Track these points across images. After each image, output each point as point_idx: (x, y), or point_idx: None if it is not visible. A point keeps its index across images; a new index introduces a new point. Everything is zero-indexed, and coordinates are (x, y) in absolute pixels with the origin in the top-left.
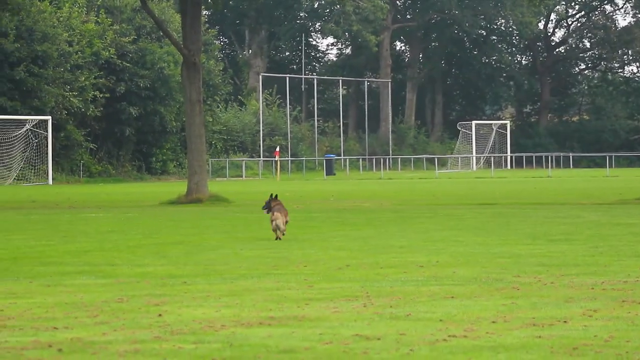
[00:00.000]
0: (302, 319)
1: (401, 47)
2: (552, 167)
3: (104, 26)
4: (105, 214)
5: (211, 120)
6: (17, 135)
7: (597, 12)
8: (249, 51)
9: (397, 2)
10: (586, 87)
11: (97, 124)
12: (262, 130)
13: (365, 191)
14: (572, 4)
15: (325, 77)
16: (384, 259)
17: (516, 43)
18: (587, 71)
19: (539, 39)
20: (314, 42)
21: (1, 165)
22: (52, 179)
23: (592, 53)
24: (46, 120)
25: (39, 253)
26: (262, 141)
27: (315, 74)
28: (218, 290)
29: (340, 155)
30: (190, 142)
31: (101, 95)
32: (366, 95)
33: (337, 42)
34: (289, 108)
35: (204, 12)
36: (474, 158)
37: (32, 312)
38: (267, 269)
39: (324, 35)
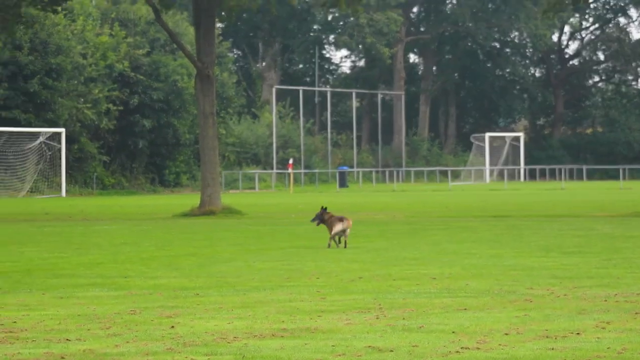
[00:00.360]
0: (315, 330)
1: (415, 59)
2: (565, 179)
3: (117, 39)
4: (119, 226)
5: (224, 132)
6: (30, 147)
7: (610, 25)
8: (262, 63)
9: (411, 14)
10: (600, 100)
11: (111, 136)
12: (276, 142)
13: (378, 203)
14: (586, 16)
15: (339, 90)
16: (397, 271)
17: (530, 55)
18: (600, 83)
19: (552, 51)
20: (328, 55)
21: (15, 177)
22: (66, 191)
23: (606, 65)
24: (60, 133)
25: (52, 265)
26: (276, 153)
27: (328, 86)
28: (230, 302)
29: (354, 168)
30: (204, 154)
31: (115, 108)
32: (379, 108)
33: (350, 54)
34: (302, 120)
35: (218, 25)
36: (487, 170)
37: (44, 324)
38: (280, 281)
39: (338, 47)
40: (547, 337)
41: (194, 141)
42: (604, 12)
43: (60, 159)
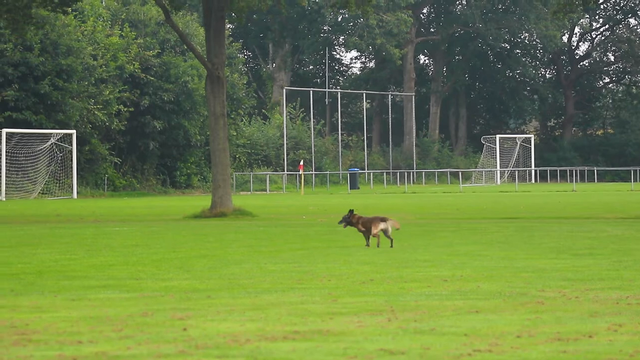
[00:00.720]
0: (327, 333)
1: (425, 60)
2: (576, 181)
3: (128, 40)
4: (130, 228)
5: (235, 134)
6: (41, 149)
7: (621, 26)
8: (272, 65)
9: (421, 15)
10: (610, 101)
11: (122, 137)
12: (286, 144)
13: (389, 205)
14: (597, 17)
15: (349, 91)
16: (408, 273)
17: (540, 56)
18: (611, 85)
19: (563, 52)
20: (338, 56)
21: (26, 179)
22: (77, 192)
23: (616, 66)
24: (71, 134)
25: (63, 267)
26: (286, 155)
27: (339, 87)
28: (242, 304)
29: (364, 169)
30: (214, 155)
31: (125, 109)
32: (390, 109)
33: (360, 55)
34: (313, 122)
35: (228, 26)
36: (498, 172)
37: (57, 326)
38: (292, 283)
39: (348, 48)
40: (559, 339)
41: (204, 142)
42: (614, 13)
43: (71, 160)
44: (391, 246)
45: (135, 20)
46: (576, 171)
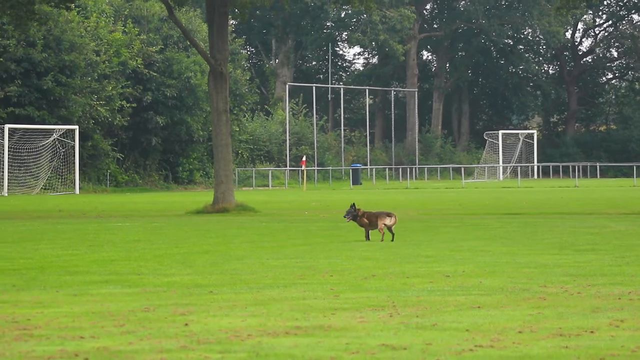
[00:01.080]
0: (329, 328)
1: (428, 56)
2: (579, 176)
3: (131, 36)
4: (132, 224)
5: (238, 129)
6: (44, 144)
7: (624, 22)
8: (275, 61)
9: (424, 11)
10: (613, 97)
11: (124, 133)
12: (289, 139)
13: (391, 201)
14: (600, 13)
15: (352, 87)
16: (411, 268)
17: (543, 52)
18: (614, 80)
19: (566, 48)
20: (341, 52)
21: (29, 174)
22: (79, 188)
23: (619, 62)
24: (73, 130)
25: (65, 262)
26: (289, 151)
27: (341, 83)
28: (244, 300)
29: (367, 165)
30: (217, 151)
31: (128, 105)
32: (393, 105)
33: (363, 51)
34: (316, 117)
35: (231, 22)
36: (501, 168)
37: (58, 322)
38: (293, 279)
39: (351, 44)
40: (560, 335)
41: (207, 138)
42: (618, 9)
43: (73, 156)
44: (392, 240)
45: (138, 16)
46: (579, 167)
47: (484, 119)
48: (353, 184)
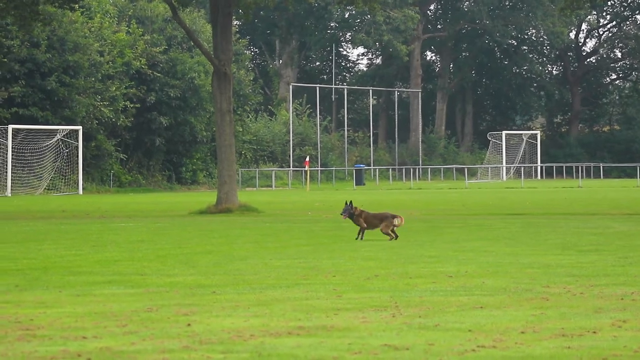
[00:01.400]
0: (331, 329)
1: (432, 57)
2: (582, 177)
3: (135, 36)
4: (135, 224)
5: (241, 130)
6: (48, 145)
7: (628, 22)
8: (279, 61)
9: (428, 12)
10: (617, 97)
11: (128, 133)
12: (292, 140)
13: (395, 201)
14: (604, 13)
15: (356, 87)
16: (413, 269)
17: (547, 53)
18: (618, 81)
19: (569, 48)
20: (345, 52)
21: (32, 175)
22: (83, 188)
23: (623, 63)
24: (77, 130)
25: (69, 263)
26: (292, 151)
27: (345, 83)
28: (247, 300)
29: (370, 165)
30: (220, 152)
31: (132, 105)
32: (396, 105)
33: (367, 52)
34: (319, 118)
35: (235, 23)
36: (504, 168)
37: (61, 322)
38: (296, 279)
39: (355, 45)
40: (563, 335)
41: (210, 139)
42: (622, 9)
43: (77, 156)
44: (390, 239)
45: (142, 16)
46: (582, 167)
47: (487, 120)
48: (356, 185)
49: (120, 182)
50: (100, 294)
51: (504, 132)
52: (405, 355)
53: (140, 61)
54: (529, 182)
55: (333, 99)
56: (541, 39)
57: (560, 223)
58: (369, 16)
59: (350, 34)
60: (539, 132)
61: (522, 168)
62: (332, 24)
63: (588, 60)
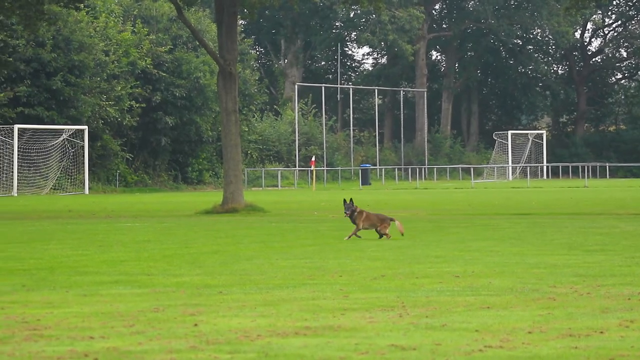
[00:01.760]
0: (338, 329)
1: (437, 56)
2: (588, 177)
3: (140, 36)
4: (142, 224)
5: (247, 129)
6: (53, 144)
7: (633, 22)
8: (284, 61)
9: (433, 11)
10: (623, 97)
11: (134, 133)
12: (298, 139)
13: (401, 201)
14: (609, 13)
15: (361, 87)
16: (420, 268)
17: (552, 52)
18: (623, 81)
19: (575, 48)
20: (350, 52)
21: (38, 174)
22: (89, 188)
23: (628, 63)
24: (83, 130)
25: (75, 263)
26: (298, 151)
27: (350, 83)
28: (254, 300)
29: (376, 165)
30: (226, 151)
31: (137, 105)
32: (402, 105)
33: (372, 51)
34: (325, 118)
35: (240, 22)
36: (510, 168)
37: (68, 322)
38: (303, 279)
39: (360, 44)
40: (570, 335)
41: (216, 138)
42: (627, 9)
43: (83, 156)
44: (387, 238)
45: (147, 16)
46: (588, 167)
47: (493, 119)
48: (362, 184)
49: (126, 182)
50: (107, 294)
51: (509, 132)
52: (412, 355)
53: (146, 61)
54: (535, 182)
55: (338, 99)
56: (546, 39)
57: (567, 223)
58: (374, 16)
59: (355, 33)
60: (544, 131)
61: (528, 168)
62: (337, 24)
63: (593, 59)
